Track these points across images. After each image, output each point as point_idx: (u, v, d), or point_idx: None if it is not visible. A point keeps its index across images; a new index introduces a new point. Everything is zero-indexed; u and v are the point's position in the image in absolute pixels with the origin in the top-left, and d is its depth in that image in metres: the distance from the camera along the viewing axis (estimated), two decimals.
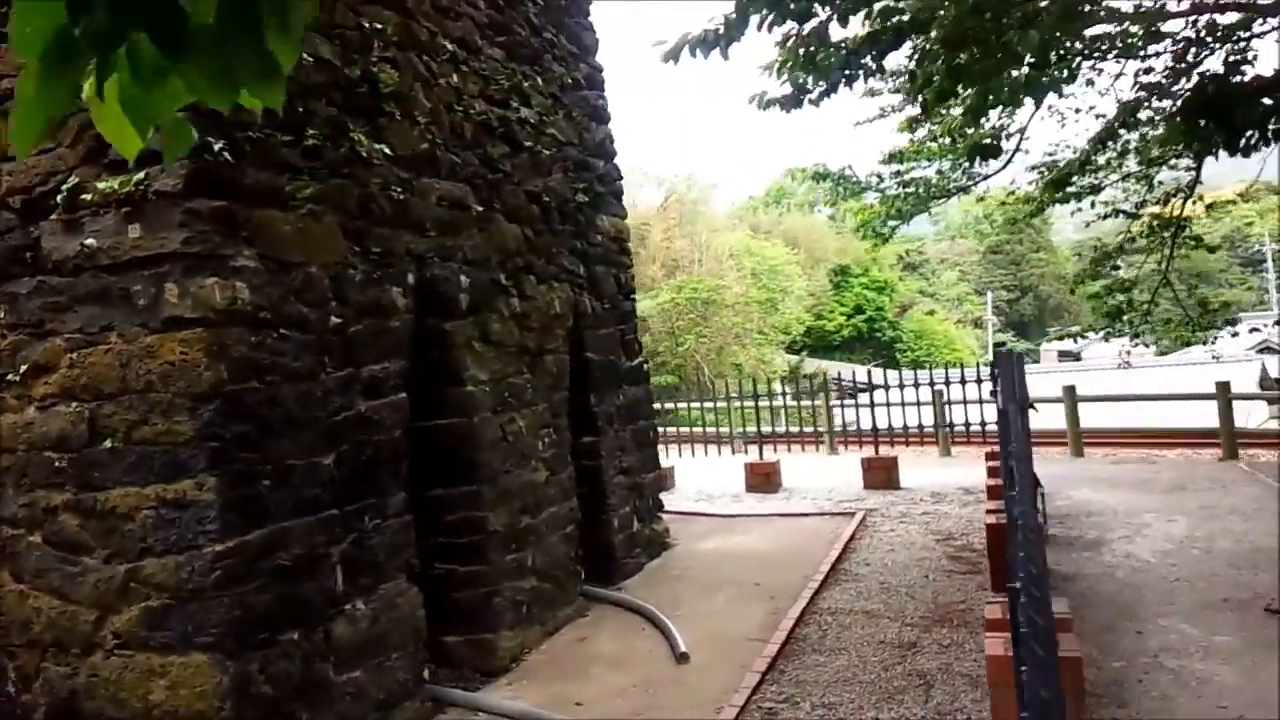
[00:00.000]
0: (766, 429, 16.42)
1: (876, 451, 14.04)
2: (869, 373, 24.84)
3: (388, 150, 5.66)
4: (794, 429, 17.71)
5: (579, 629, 7.14)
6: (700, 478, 13.57)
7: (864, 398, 16.88)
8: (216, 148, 4.46)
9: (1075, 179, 11.54)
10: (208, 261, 4.45)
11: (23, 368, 4.63)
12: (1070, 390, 14.01)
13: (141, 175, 4.46)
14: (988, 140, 10.05)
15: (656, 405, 19.86)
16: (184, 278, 4.39)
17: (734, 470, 13.23)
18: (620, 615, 7.39)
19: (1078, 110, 11.53)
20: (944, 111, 10.47)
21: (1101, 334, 12.78)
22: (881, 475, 11.96)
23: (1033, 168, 12.56)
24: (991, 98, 8.21)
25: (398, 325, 5.64)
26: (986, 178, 12.46)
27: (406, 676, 5.40)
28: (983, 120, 10.02)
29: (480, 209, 6.66)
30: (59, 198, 4.58)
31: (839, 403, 18.25)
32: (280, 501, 4.65)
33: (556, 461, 7.37)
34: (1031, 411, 6.93)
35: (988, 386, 12.55)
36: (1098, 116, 11.34)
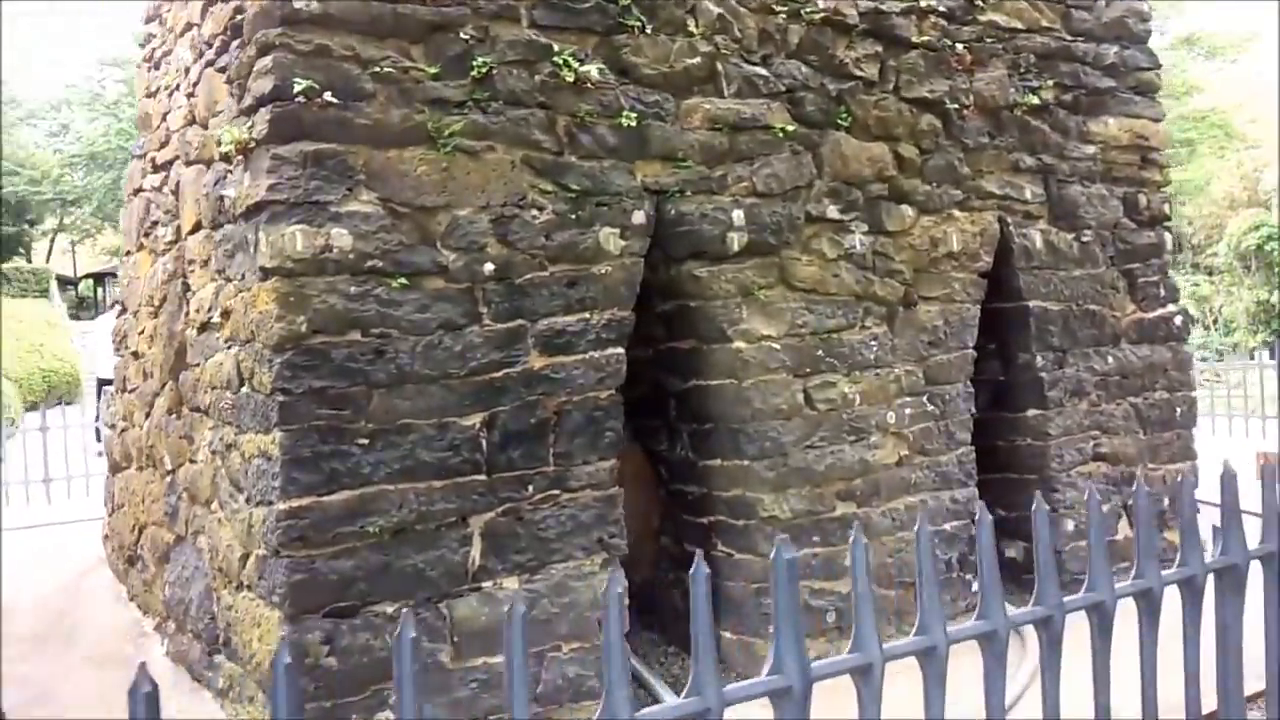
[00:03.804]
0: None
1: None
2: None
3: (596, 73, 4.89)
4: None
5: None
6: None
7: None
8: (298, 88, 4.24)
9: None
10: (296, 209, 4.28)
11: (217, 312, 4.94)
12: None
13: (250, 122, 4.43)
14: None
15: None
16: (269, 225, 4.28)
17: None
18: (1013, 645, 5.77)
19: None
20: None
21: None
22: None
23: None
24: None
25: (607, 271, 4.92)
26: None
27: (583, 673, 4.79)
28: None
29: (792, 128, 5.50)
30: (220, 148, 4.75)
31: None
32: (381, 463, 4.37)
33: (929, 438, 5.92)
34: None
35: None
36: None
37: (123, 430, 6.72)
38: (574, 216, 4.86)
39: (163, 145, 6.04)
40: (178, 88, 5.78)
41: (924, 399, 5.93)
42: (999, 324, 6.55)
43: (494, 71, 4.68)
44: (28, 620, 6.02)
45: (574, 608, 4.78)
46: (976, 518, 2.08)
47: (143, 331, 6.27)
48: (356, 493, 4.32)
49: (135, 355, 6.47)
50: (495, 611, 4.57)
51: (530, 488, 4.71)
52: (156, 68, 6.37)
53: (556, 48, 4.86)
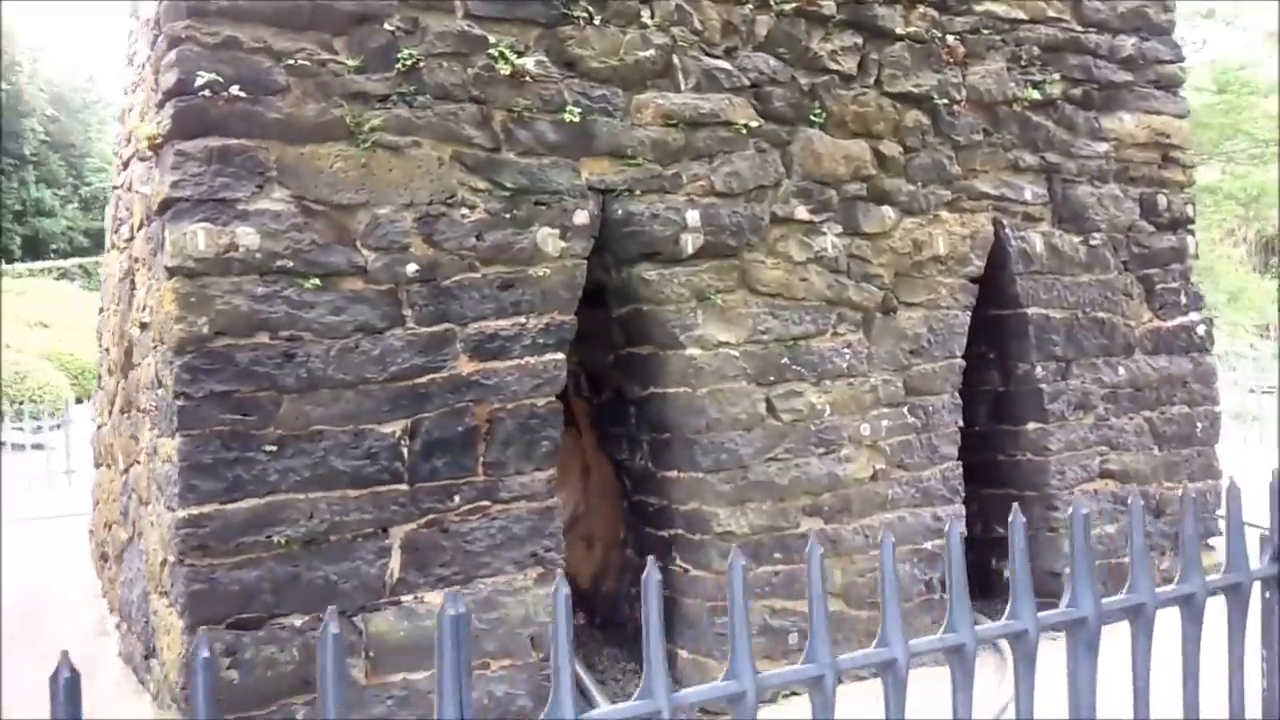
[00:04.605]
0: None
1: None
2: None
3: (534, 65, 4.67)
4: None
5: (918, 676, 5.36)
6: None
7: None
8: (199, 81, 4.10)
9: None
10: (201, 206, 4.14)
11: (148, 311, 4.83)
12: None
13: (159, 118, 4.31)
14: None
15: None
16: (172, 223, 4.15)
17: None
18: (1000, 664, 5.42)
19: None
20: None
21: None
22: None
23: None
24: None
25: (545, 274, 4.70)
26: None
27: (513, 692, 4.59)
28: None
29: (757, 124, 5.21)
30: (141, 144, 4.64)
31: None
32: (290, 471, 4.21)
33: (910, 452, 5.58)
34: None
35: None
36: None
37: (99, 426, 6.72)
38: (509, 216, 4.65)
39: (127, 141, 5.98)
40: (137, 83, 5.71)
41: (904, 410, 5.59)
42: (997, 332, 6.18)
43: (421, 64, 4.49)
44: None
45: (503, 624, 4.58)
46: (946, 530, 1.96)
47: (111, 329, 6.24)
48: (262, 501, 4.16)
49: (107, 352, 6.45)
50: (415, 626, 4.39)
51: (456, 498, 4.52)
52: (131, 64, 6.32)
53: (493, 39, 4.66)
